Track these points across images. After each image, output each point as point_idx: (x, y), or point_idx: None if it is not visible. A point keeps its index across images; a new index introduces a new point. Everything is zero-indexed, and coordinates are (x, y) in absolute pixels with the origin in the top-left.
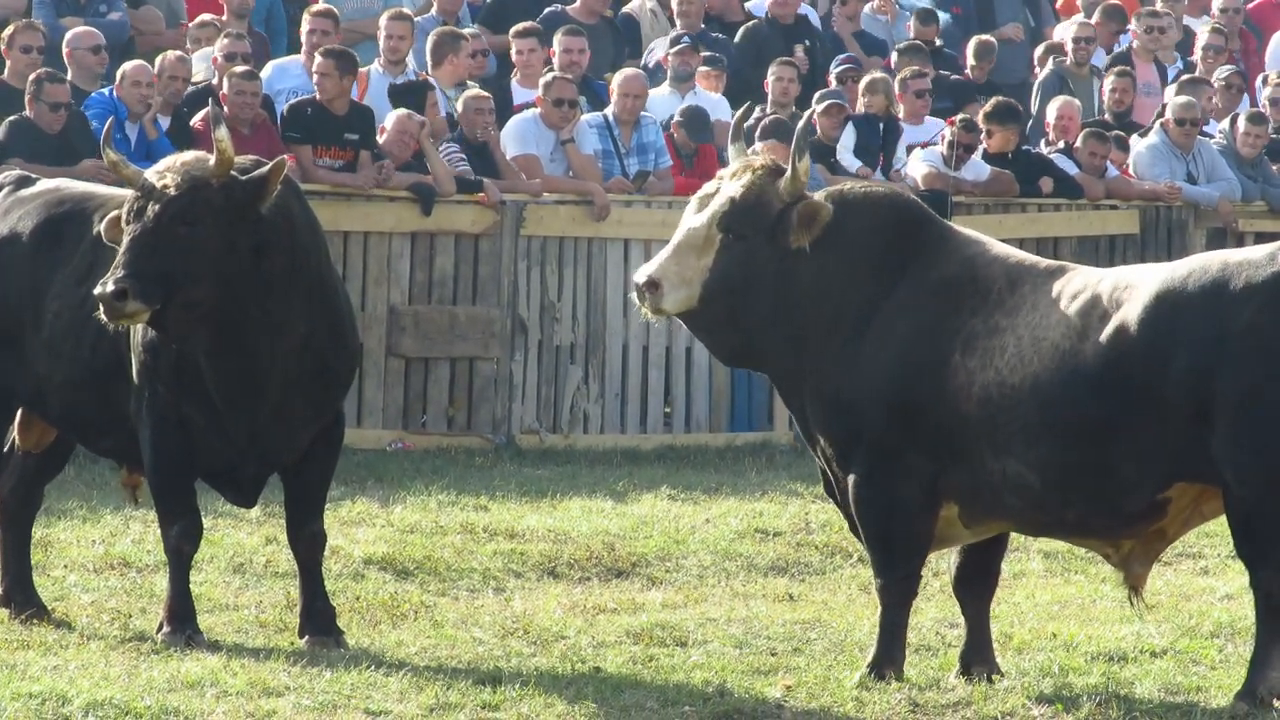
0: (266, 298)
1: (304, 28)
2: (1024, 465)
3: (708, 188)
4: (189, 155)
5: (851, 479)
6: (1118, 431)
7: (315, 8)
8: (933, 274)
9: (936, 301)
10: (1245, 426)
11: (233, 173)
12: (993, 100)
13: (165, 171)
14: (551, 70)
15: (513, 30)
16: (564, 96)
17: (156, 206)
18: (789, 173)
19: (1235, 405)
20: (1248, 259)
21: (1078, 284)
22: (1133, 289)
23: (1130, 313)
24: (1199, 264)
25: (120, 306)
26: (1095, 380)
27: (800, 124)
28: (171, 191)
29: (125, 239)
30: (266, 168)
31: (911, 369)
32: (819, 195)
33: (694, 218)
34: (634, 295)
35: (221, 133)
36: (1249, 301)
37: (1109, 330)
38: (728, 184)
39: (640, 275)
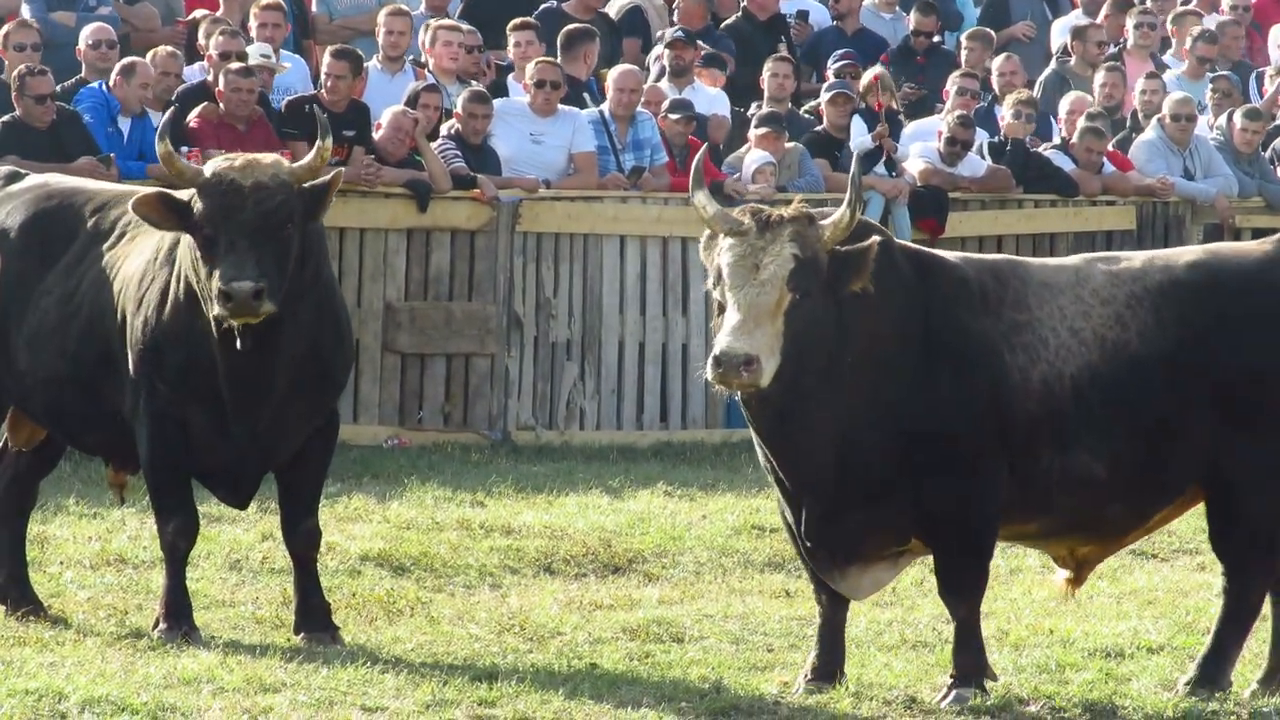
0: (297, 301)
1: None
2: (1090, 456)
3: (709, 241)
4: (267, 157)
5: (941, 500)
6: (1157, 427)
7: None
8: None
9: (965, 311)
10: (1250, 421)
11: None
12: (1021, 90)
13: (250, 169)
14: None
15: (510, 27)
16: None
17: (264, 207)
18: (842, 219)
19: (1242, 400)
20: (1248, 249)
21: (1124, 264)
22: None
23: (1151, 304)
24: (1211, 251)
25: (256, 305)
26: (1136, 374)
27: (854, 165)
28: (278, 196)
29: (233, 237)
30: (327, 178)
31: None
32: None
33: (757, 284)
34: (711, 372)
35: (327, 141)
36: (1250, 290)
37: (1138, 323)
38: (774, 241)
39: (731, 353)
